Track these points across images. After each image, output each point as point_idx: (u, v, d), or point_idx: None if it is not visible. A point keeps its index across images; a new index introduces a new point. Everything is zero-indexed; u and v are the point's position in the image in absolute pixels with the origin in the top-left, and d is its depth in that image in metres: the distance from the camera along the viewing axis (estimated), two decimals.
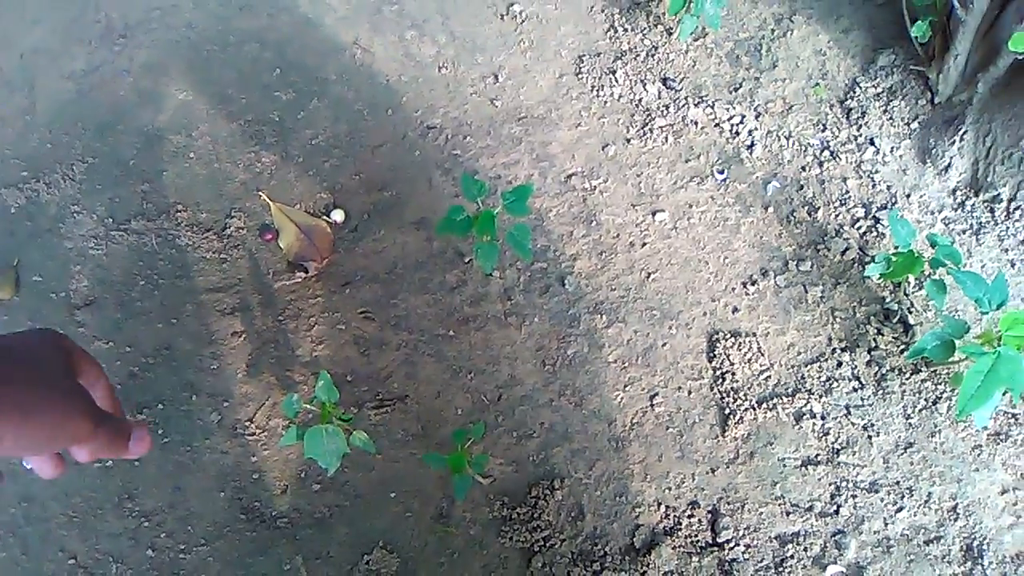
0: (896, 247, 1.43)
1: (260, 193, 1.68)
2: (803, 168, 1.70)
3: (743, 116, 1.75)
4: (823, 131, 1.74)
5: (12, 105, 1.85)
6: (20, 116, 1.83)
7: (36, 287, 1.62)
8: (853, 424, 1.43)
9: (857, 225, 1.63)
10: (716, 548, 1.35)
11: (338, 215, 1.64)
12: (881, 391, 1.46)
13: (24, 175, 1.75)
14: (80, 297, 1.60)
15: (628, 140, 1.72)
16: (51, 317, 1.58)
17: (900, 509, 1.36)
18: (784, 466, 1.41)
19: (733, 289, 1.56)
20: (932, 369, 1.46)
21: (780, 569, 1.33)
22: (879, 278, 1.51)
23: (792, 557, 1.34)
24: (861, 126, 1.74)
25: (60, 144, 1.79)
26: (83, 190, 1.72)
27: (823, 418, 1.44)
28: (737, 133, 1.74)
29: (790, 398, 1.46)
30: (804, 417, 1.44)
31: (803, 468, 1.41)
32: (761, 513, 1.37)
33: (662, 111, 1.76)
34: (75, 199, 1.71)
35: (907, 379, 1.46)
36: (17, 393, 0.55)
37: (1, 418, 0.54)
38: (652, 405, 1.46)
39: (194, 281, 1.60)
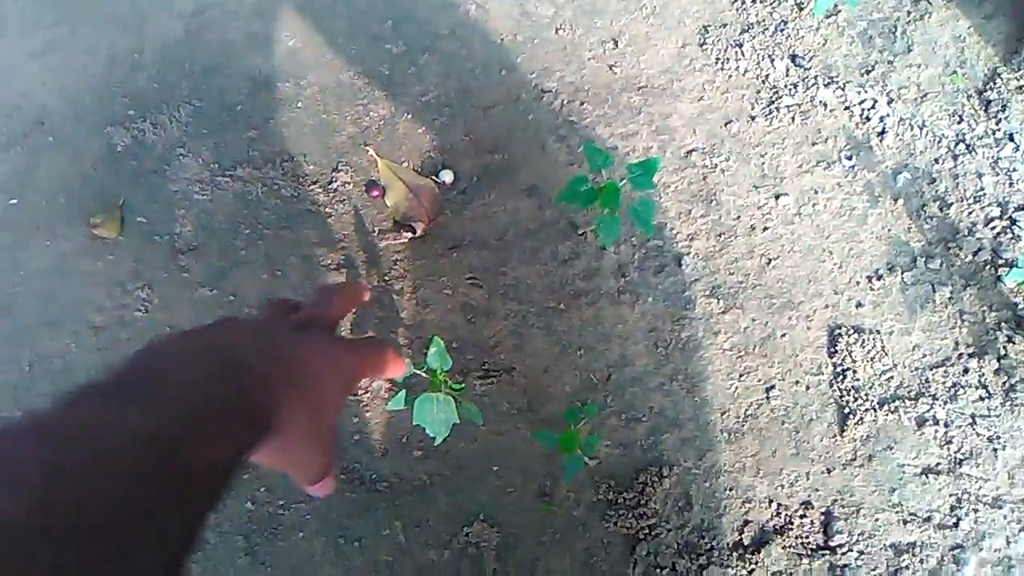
0: None
1: (368, 148, 1.64)
2: (936, 160, 1.60)
3: (875, 101, 1.66)
4: (959, 123, 1.65)
5: (122, 43, 1.82)
6: (129, 55, 1.81)
7: (140, 228, 1.61)
8: (978, 434, 1.36)
9: (991, 225, 1.53)
10: (828, 552, 1.29)
11: (447, 176, 1.60)
12: (1009, 402, 1.38)
13: (131, 114, 1.73)
14: (184, 242, 1.58)
15: (752, 118, 1.64)
16: (155, 260, 1.57)
17: None
18: (903, 473, 1.34)
19: (857, 283, 1.49)
20: None
21: None
22: (1016, 285, 1.42)
23: (907, 568, 1.28)
24: (1000, 120, 1.64)
25: (167, 85, 1.76)
26: (189, 133, 1.70)
27: (946, 426, 1.37)
28: (868, 118, 1.64)
29: (913, 402, 1.39)
30: (927, 423, 1.37)
31: (923, 476, 1.34)
32: (877, 519, 1.31)
33: (789, 90, 1.67)
34: (181, 142, 1.69)
35: None
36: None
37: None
38: (768, 398, 1.40)
39: (299, 234, 1.57)
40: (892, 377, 1.41)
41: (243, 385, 0.49)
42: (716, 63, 1.71)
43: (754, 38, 1.74)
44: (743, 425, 1.38)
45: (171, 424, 0.42)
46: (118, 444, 0.38)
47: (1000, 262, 1.48)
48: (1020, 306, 1.46)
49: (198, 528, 0.42)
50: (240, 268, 1.54)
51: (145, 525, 0.37)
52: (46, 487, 0.34)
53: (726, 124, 1.64)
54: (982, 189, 1.57)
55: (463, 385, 1.28)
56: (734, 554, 1.29)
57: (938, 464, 1.35)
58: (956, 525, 1.30)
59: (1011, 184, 1.58)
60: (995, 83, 1.69)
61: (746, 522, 1.32)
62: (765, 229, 1.53)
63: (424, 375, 1.22)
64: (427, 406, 1.19)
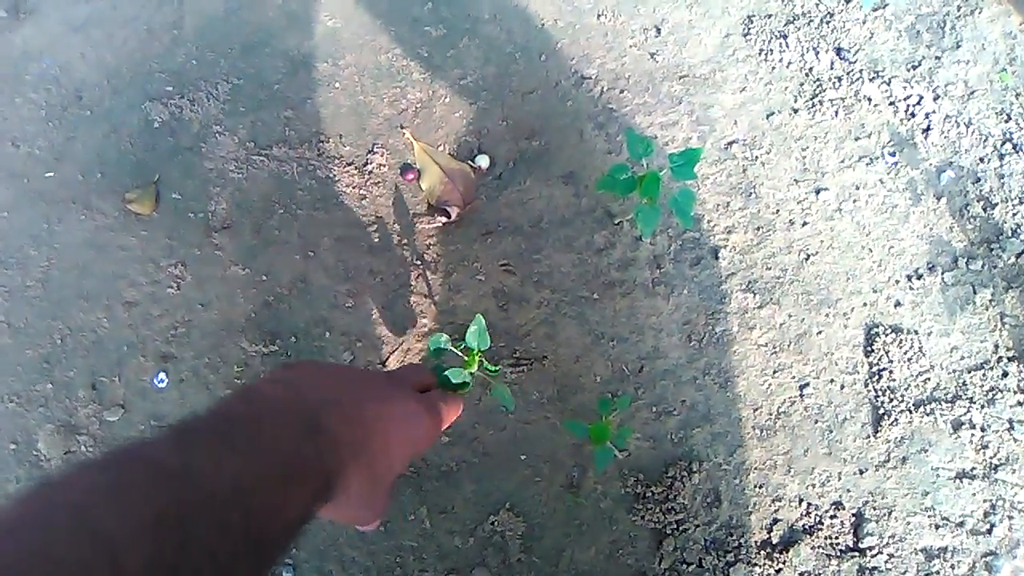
0: None
1: (404, 131, 1.63)
2: (981, 159, 1.57)
3: (920, 97, 1.63)
4: (1006, 121, 1.61)
5: (161, 18, 1.82)
6: (168, 30, 1.80)
7: (175, 205, 1.61)
8: (1015, 440, 1.34)
9: None
10: (857, 554, 1.28)
11: (483, 161, 1.58)
12: None
13: (169, 90, 1.73)
14: (218, 220, 1.59)
15: (795, 110, 1.61)
16: (188, 237, 1.57)
17: None
18: (937, 476, 1.32)
19: (897, 281, 1.46)
20: None
21: None
22: None
23: (938, 573, 1.26)
24: None
25: (205, 62, 1.76)
26: (226, 111, 1.70)
27: (983, 430, 1.34)
28: (913, 114, 1.61)
29: (949, 404, 1.36)
30: (963, 426, 1.35)
31: (957, 481, 1.32)
32: (909, 523, 1.29)
33: (833, 83, 1.64)
34: (218, 119, 1.68)
35: None
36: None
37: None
38: (801, 395, 1.38)
39: (333, 215, 1.57)
40: (929, 379, 1.38)
41: (321, 451, 0.51)
42: (760, 54, 1.68)
43: (799, 29, 1.70)
44: (775, 422, 1.36)
45: (262, 479, 0.45)
46: (216, 494, 0.42)
47: None
48: None
49: None
50: (273, 248, 1.54)
51: None
52: (157, 537, 0.37)
53: (768, 116, 1.61)
54: None
55: (497, 368, 1.27)
56: (762, 552, 1.28)
57: (973, 469, 1.32)
58: (989, 532, 1.28)
59: None
60: None
61: (775, 520, 1.31)
62: (804, 224, 1.51)
63: (460, 353, 1.20)
64: None
